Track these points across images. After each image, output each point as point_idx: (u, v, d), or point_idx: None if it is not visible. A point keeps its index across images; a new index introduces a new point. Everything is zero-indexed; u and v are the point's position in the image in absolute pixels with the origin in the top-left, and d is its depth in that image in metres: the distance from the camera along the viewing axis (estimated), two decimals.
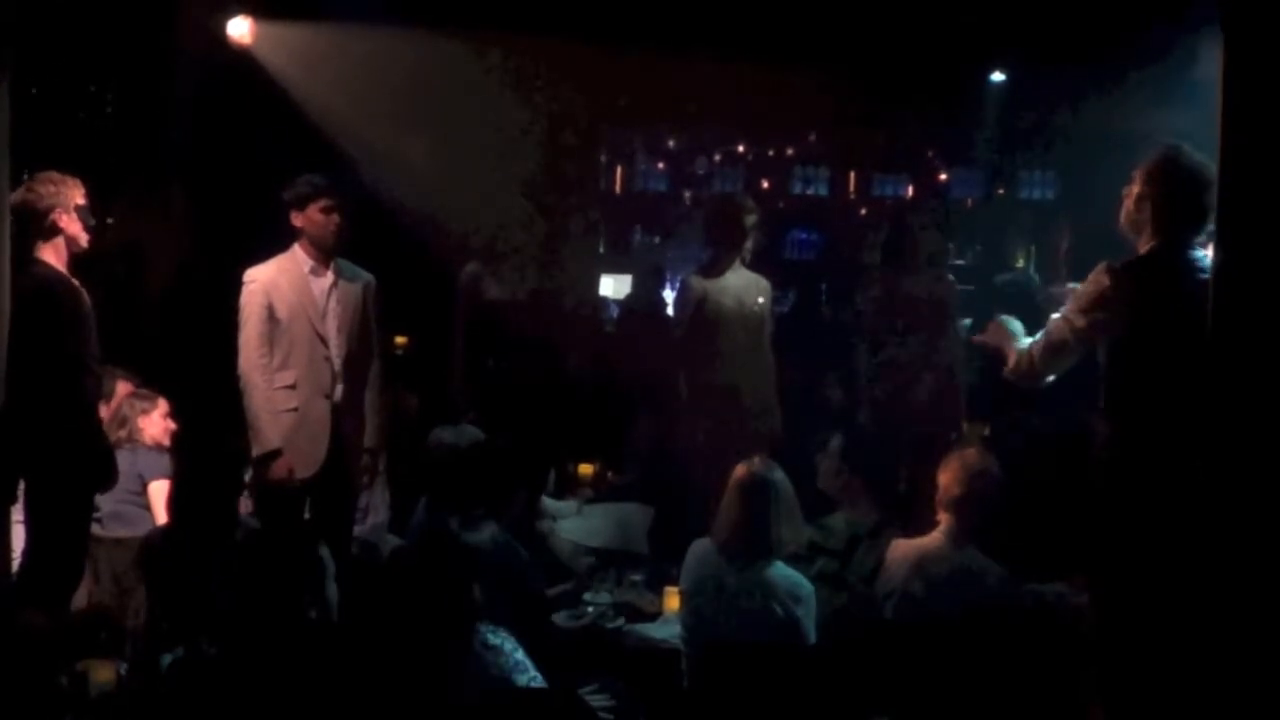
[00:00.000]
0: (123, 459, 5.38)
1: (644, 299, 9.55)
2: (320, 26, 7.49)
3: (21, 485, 4.87)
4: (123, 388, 5.96)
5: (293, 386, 5.63)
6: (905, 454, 6.36)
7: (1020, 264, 8.93)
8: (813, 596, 4.70)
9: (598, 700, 4.21)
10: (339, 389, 5.72)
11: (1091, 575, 4.18)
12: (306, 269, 5.71)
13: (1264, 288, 3.32)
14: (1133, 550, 3.94)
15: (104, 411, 5.52)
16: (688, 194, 10.98)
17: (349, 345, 5.76)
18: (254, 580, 4.08)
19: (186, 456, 5.54)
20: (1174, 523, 3.64)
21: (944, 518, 4.83)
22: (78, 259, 5.06)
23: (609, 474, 7.28)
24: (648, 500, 6.52)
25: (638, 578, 5.63)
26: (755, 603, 4.62)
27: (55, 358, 4.84)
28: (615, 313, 9.94)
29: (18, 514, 4.93)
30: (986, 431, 6.60)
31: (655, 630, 5.19)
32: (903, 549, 4.88)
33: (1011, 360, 4.32)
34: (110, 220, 6.89)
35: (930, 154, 10.91)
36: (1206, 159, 3.86)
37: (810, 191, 11.09)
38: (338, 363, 5.73)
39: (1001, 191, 10.75)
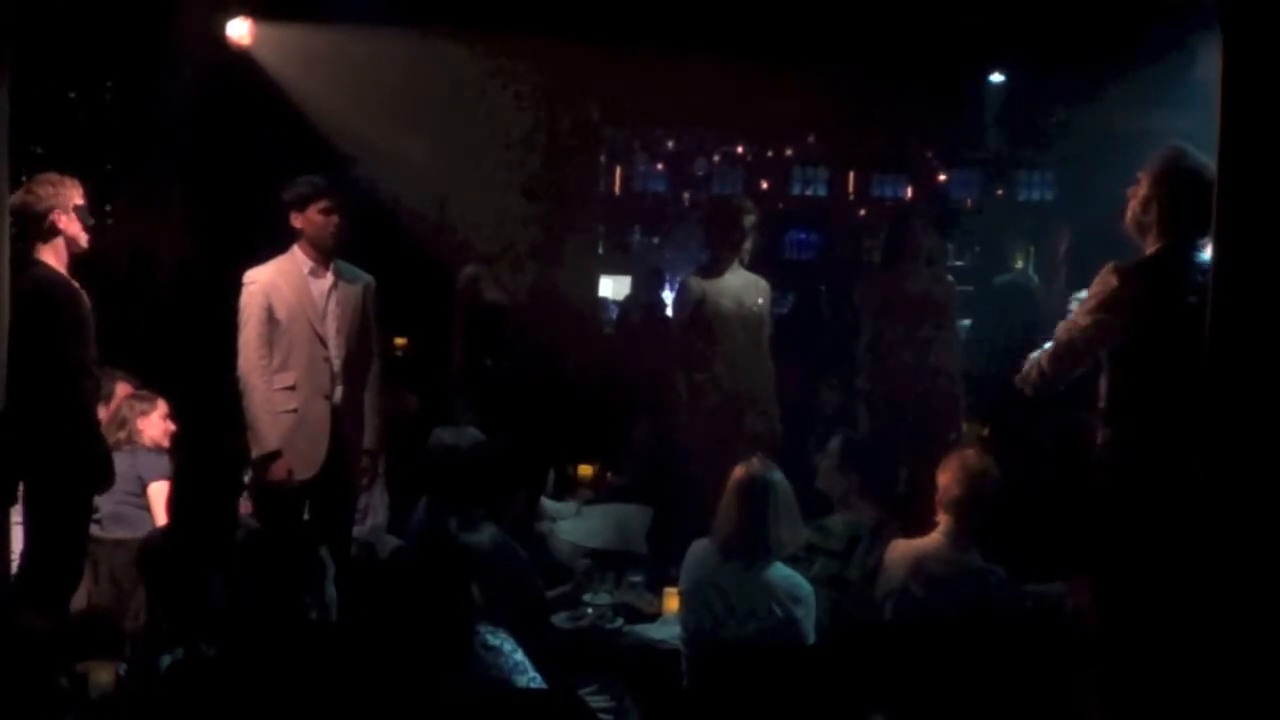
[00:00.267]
0: (122, 460, 5.39)
1: (643, 300, 9.56)
2: (320, 27, 7.48)
3: (21, 486, 4.87)
4: (122, 389, 5.96)
5: (292, 388, 5.63)
6: (905, 455, 6.36)
7: (1019, 265, 8.91)
8: (812, 597, 4.71)
9: (597, 701, 4.22)
10: (338, 390, 5.72)
11: (1093, 576, 4.18)
12: (306, 270, 5.71)
13: (1263, 288, 3.32)
14: (1135, 551, 3.94)
15: (103, 413, 5.52)
16: (687, 195, 10.99)
17: (348, 346, 5.75)
18: (254, 581, 4.09)
19: (185, 458, 5.54)
20: (1177, 524, 3.64)
21: (943, 518, 4.83)
22: (77, 260, 5.06)
23: (608, 475, 7.29)
24: (647, 501, 6.53)
25: (637, 579, 5.62)
26: (754, 603, 4.62)
27: (54, 359, 4.84)
28: (614, 314, 9.96)
29: (17, 515, 4.93)
30: (986, 432, 6.60)
31: (654, 631, 5.19)
32: (902, 549, 4.88)
33: (1023, 369, 4.31)
34: (110, 221, 6.88)
35: (929, 155, 10.92)
36: (1209, 160, 3.87)
37: (809, 192, 11.11)
38: (337, 364, 5.72)
39: (1000, 192, 10.76)
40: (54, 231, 4.95)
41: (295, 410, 5.63)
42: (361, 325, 5.81)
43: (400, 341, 8.29)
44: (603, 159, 10.69)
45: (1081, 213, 8.00)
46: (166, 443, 5.88)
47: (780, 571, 4.71)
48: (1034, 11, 7.60)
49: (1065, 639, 4.34)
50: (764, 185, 10.99)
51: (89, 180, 5.13)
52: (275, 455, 5.57)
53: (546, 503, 6.55)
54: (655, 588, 5.48)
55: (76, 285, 4.98)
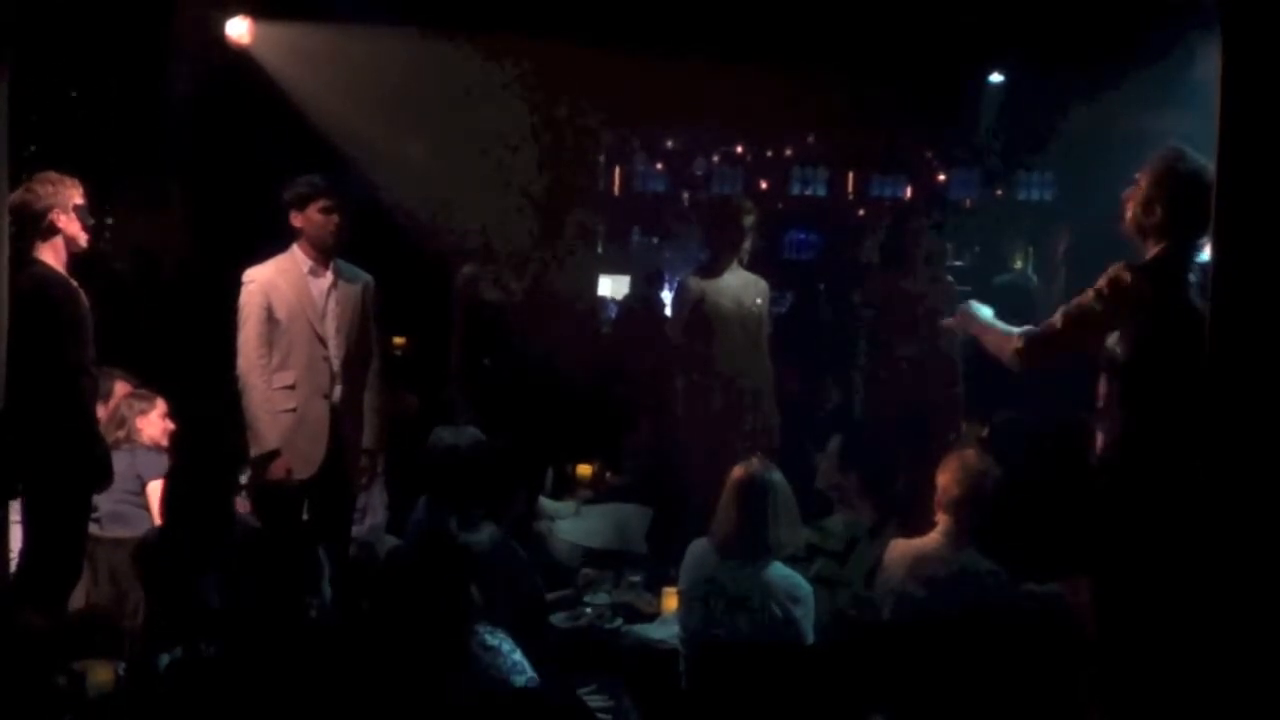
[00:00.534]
0: (121, 459, 5.39)
1: (642, 300, 9.55)
2: (319, 26, 7.48)
3: (20, 485, 4.86)
4: (121, 388, 5.96)
5: (291, 387, 5.63)
6: (904, 455, 6.36)
7: (1018, 265, 8.93)
8: (811, 597, 4.71)
9: (596, 701, 4.22)
10: (338, 389, 5.72)
11: (1094, 576, 4.17)
12: (305, 269, 5.71)
13: (1263, 288, 3.32)
14: (1137, 552, 3.94)
15: (102, 412, 5.52)
16: (686, 195, 10.99)
17: (348, 346, 5.76)
18: (252, 581, 4.09)
19: (181, 456, 5.54)
20: (1179, 525, 3.64)
21: (942, 518, 4.84)
22: (76, 259, 5.05)
23: (607, 475, 7.29)
24: (646, 501, 6.53)
25: (636, 578, 5.63)
26: (753, 603, 4.62)
27: (53, 358, 4.84)
28: (614, 313, 9.95)
29: (16, 514, 4.93)
30: (985, 432, 6.60)
31: (653, 631, 5.19)
32: (901, 549, 4.88)
33: (1008, 345, 4.25)
34: (109, 220, 6.88)
35: (929, 155, 10.92)
36: (1208, 161, 3.87)
37: (808, 192, 11.10)
38: (336, 363, 5.72)
39: (1000, 192, 10.75)
40: (53, 230, 4.95)
41: (294, 409, 5.63)
42: (361, 325, 5.81)
43: (399, 341, 8.29)
44: (602, 159, 10.69)
45: (1081, 213, 8.01)
46: (165, 441, 5.88)
47: (779, 571, 4.71)
48: (1034, 12, 7.60)
49: (1064, 639, 4.34)
50: (763, 185, 10.98)
51: (88, 179, 5.13)
52: (274, 454, 5.57)
53: (545, 502, 6.55)
54: (654, 587, 5.48)
55: (75, 284, 4.98)
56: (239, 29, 7.41)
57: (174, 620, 4.46)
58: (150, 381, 6.13)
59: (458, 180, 8.02)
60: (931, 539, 4.84)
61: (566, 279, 8.11)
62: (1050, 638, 4.38)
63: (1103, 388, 4.12)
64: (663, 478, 6.69)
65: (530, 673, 3.83)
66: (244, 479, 5.83)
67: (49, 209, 4.93)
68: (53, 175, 5.00)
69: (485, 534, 4.85)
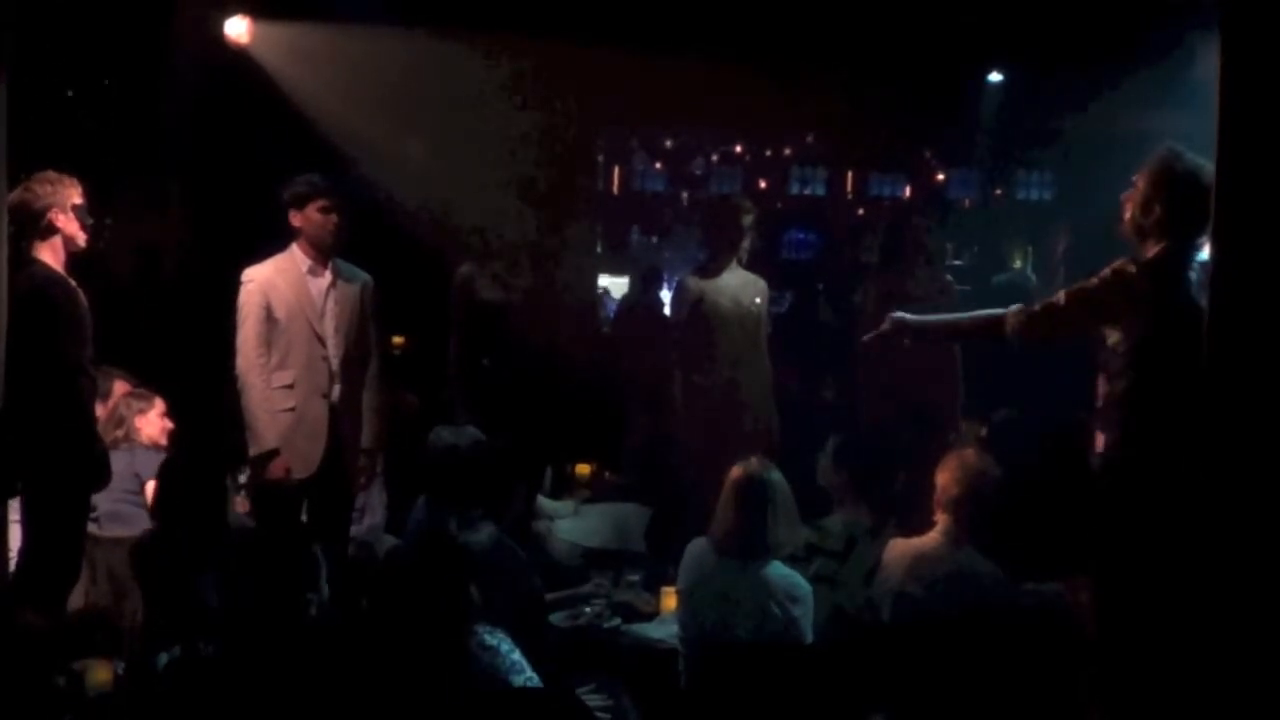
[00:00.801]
0: (120, 459, 5.38)
1: (641, 299, 9.56)
2: (318, 26, 7.48)
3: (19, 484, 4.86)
4: (119, 387, 5.95)
5: (290, 386, 5.63)
6: (903, 454, 6.35)
7: (1017, 264, 8.93)
8: (810, 596, 4.70)
9: (594, 700, 4.21)
10: (337, 389, 5.72)
11: (1095, 576, 4.17)
12: (304, 269, 5.71)
13: (1263, 288, 3.32)
14: (1139, 552, 3.94)
15: (101, 411, 5.51)
16: (685, 194, 10.99)
17: (347, 345, 5.75)
18: (251, 580, 4.08)
19: (179, 455, 5.53)
20: (1181, 526, 3.64)
21: (942, 518, 4.84)
22: (75, 259, 5.05)
23: (606, 474, 7.28)
24: (645, 500, 6.52)
25: (635, 578, 5.63)
26: (752, 603, 4.61)
27: (51, 358, 4.84)
28: (612, 310, 9.95)
29: (15, 514, 4.92)
30: (984, 432, 6.60)
31: (652, 630, 5.19)
32: (900, 549, 4.88)
33: (1004, 322, 4.23)
34: (108, 220, 6.88)
35: (928, 154, 10.93)
36: (1204, 161, 3.87)
37: (808, 192, 11.12)
38: (335, 363, 5.72)
39: (999, 192, 10.76)
40: (52, 230, 4.94)
41: (293, 409, 5.63)
42: (360, 324, 5.81)
43: (398, 340, 8.29)
44: (601, 158, 10.69)
45: (1080, 213, 8.01)
46: (164, 441, 5.87)
47: (778, 571, 4.71)
48: (1034, 12, 7.60)
49: (1064, 639, 4.34)
50: (762, 184, 11.00)
51: (87, 179, 5.12)
52: (273, 454, 5.57)
53: (544, 502, 6.55)
54: (653, 587, 5.48)
55: (74, 284, 4.98)
56: (238, 29, 7.41)
57: (172, 620, 4.46)
58: (149, 381, 6.12)
59: (457, 179, 8.02)
60: (931, 539, 4.84)
61: (565, 278, 8.12)
62: (1050, 638, 4.38)
63: (1103, 388, 4.12)
64: (661, 477, 6.69)
65: (529, 672, 3.83)
66: (243, 478, 5.84)
67: (48, 208, 4.93)
68: (52, 175, 4.99)
69: (485, 534, 4.84)
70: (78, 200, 5.01)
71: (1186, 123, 4.33)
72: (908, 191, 11.01)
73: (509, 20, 7.60)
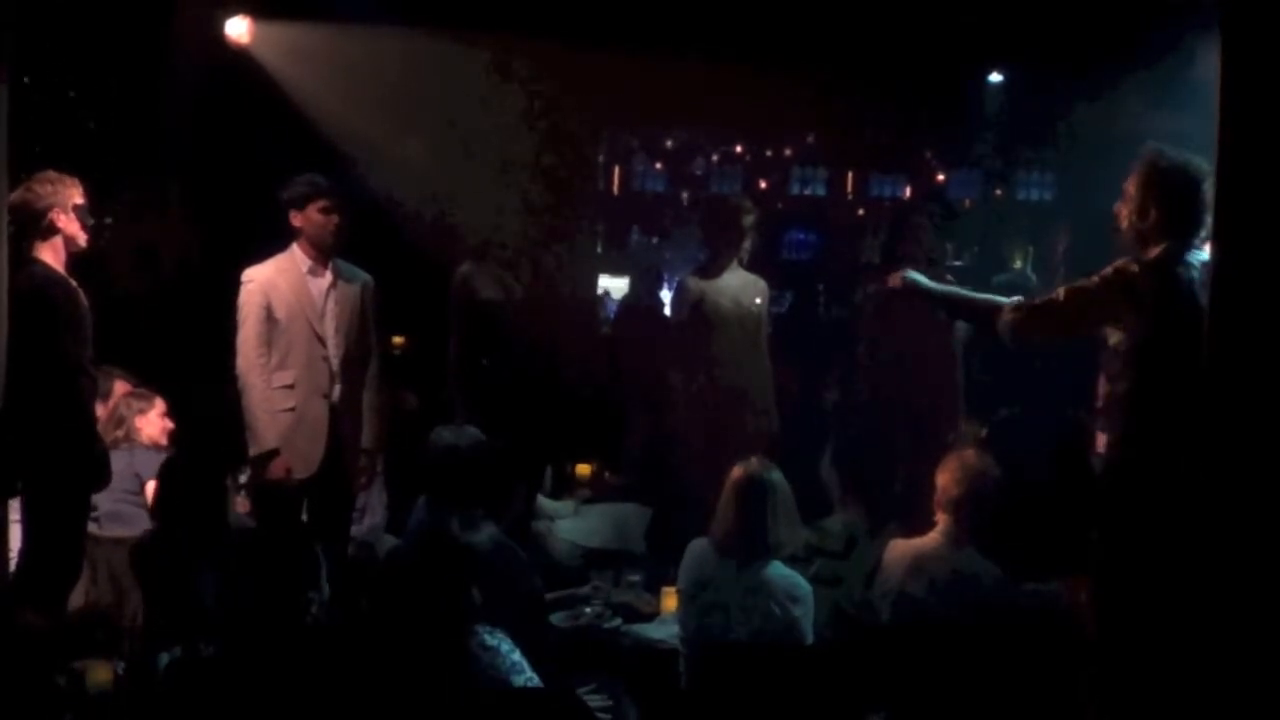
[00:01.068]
0: (120, 459, 5.38)
1: (642, 299, 9.55)
2: (318, 26, 7.48)
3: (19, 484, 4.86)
4: (120, 387, 5.95)
5: (291, 386, 5.64)
6: (903, 454, 6.36)
7: (1018, 265, 8.91)
8: (810, 597, 4.70)
9: (595, 700, 4.21)
10: (337, 389, 5.73)
11: (1095, 576, 4.17)
12: (305, 269, 5.71)
13: (1263, 288, 3.32)
14: (1139, 552, 3.94)
15: (101, 411, 5.51)
16: (686, 194, 10.98)
17: (347, 345, 5.76)
18: (251, 580, 4.08)
19: (179, 455, 5.53)
20: (1182, 526, 3.64)
21: (942, 518, 4.84)
22: (76, 259, 5.05)
23: (606, 474, 7.29)
24: (645, 500, 6.53)
25: (635, 578, 5.63)
26: (753, 603, 4.62)
27: (51, 357, 4.84)
28: (613, 310, 9.94)
29: (15, 513, 4.92)
30: (984, 432, 6.60)
31: (653, 630, 5.19)
32: (900, 549, 4.88)
33: (999, 315, 4.23)
34: (109, 220, 6.88)
35: (928, 155, 10.91)
36: (1190, 156, 3.89)
37: (808, 192, 11.10)
38: (336, 363, 5.73)
39: (999, 192, 10.74)
40: (52, 230, 4.94)
41: (293, 409, 5.63)
42: (360, 324, 5.81)
43: (398, 340, 8.28)
44: (601, 158, 10.68)
45: (1080, 213, 8.00)
46: (164, 441, 5.87)
47: (779, 571, 4.71)
48: (1034, 12, 7.60)
49: (1064, 639, 4.34)
50: (763, 185, 10.98)
51: (88, 179, 5.13)
52: (273, 454, 5.58)
53: (544, 502, 6.55)
54: (653, 587, 5.49)
55: (74, 284, 4.98)
56: (238, 29, 7.41)
57: (173, 620, 4.46)
58: (149, 381, 6.12)
59: (456, 179, 8.02)
60: (931, 539, 4.84)
61: (565, 278, 8.12)
62: (1050, 638, 4.38)
63: (1103, 388, 4.12)
64: (661, 477, 6.69)
65: (529, 672, 3.83)
66: (243, 478, 5.84)
67: (49, 208, 4.93)
68: (52, 175, 4.99)
69: (485, 534, 4.84)
70: (79, 200, 5.01)
71: (1186, 123, 4.34)
72: (908, 191, 10.99)
73: (509, 20, 7.60)
